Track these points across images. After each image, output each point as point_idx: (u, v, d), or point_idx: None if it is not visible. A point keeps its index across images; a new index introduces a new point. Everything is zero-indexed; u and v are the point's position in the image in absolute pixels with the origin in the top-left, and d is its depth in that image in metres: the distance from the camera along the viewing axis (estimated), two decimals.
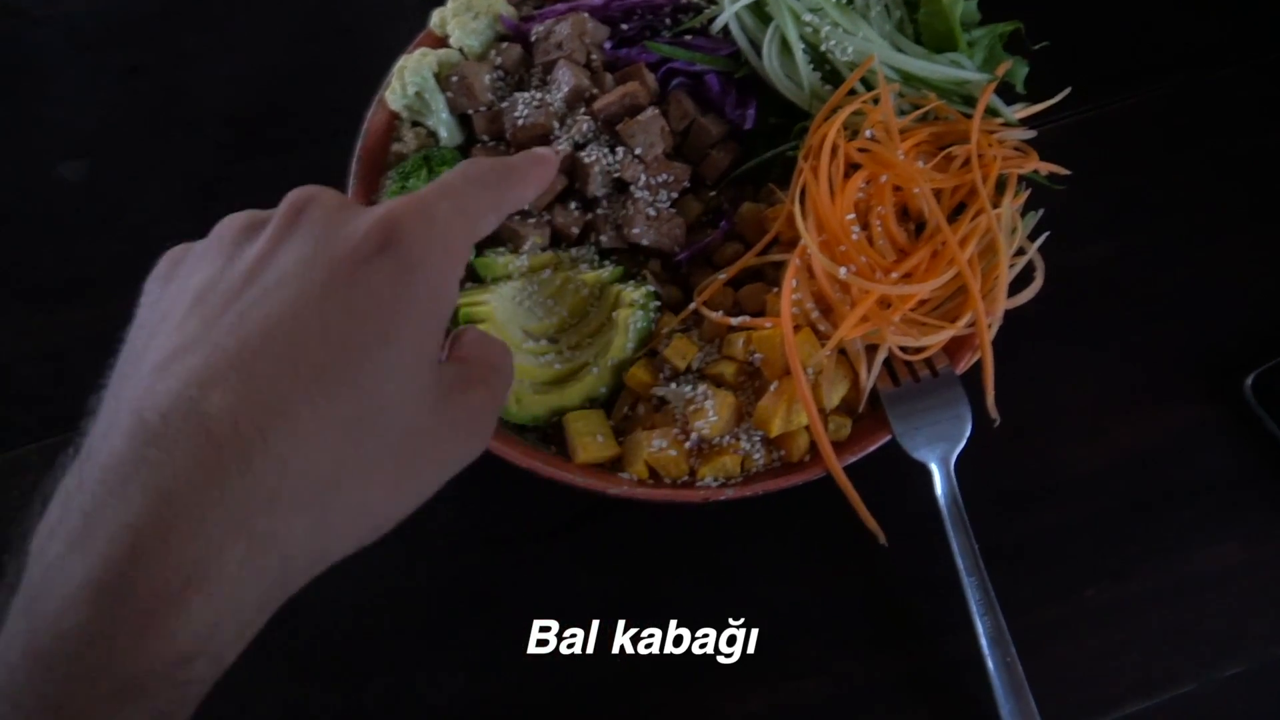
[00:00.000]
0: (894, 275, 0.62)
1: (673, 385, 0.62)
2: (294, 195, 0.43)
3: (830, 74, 0.69)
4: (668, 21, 0.74)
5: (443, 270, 0.43)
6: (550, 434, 0.65)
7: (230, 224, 0.43)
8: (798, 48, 0.68)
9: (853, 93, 0.66)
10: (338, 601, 0.64)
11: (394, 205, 0.42)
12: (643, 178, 0.66)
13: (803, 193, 0.63)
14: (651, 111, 0.66)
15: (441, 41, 0.74)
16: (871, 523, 0.61)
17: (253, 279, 0.40)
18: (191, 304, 0.40)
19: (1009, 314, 0.64)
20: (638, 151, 0.66)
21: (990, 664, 0.58)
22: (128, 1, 0.90)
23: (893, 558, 0.63)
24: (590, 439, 0.62)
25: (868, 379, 0.62)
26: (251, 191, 0.76)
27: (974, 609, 0.59)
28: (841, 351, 0.63)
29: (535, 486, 0.66)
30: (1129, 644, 0.62)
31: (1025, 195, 0.66)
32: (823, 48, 0.68)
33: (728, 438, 0.61)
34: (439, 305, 0.43)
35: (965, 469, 0.61)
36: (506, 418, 0.63)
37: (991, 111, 0.69)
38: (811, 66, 0.68)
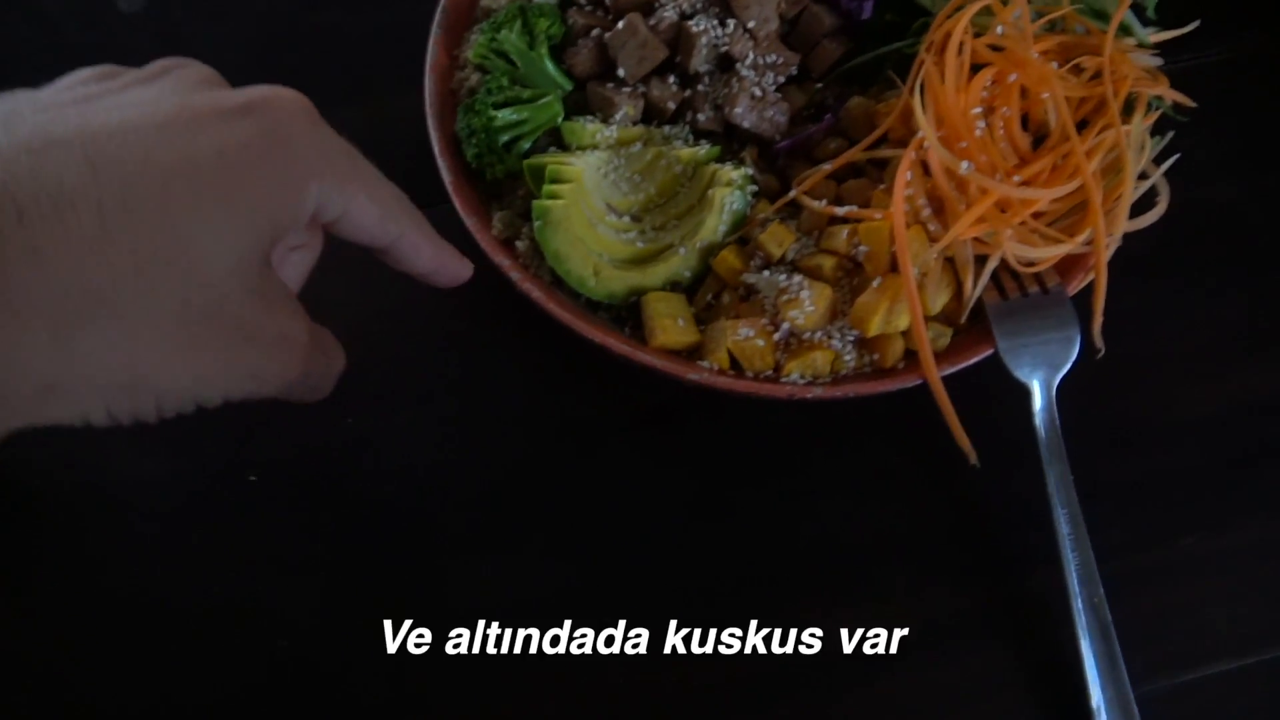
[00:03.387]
0: (1015, 179, 0.57)
1: (765, 273, 0.58)
2: (164, 60, 0.41)
3: None
4: None
5: (304, 168, 0.39)
6: (625, 316, 0.60)
7: (86, 70, 0.40)
8: None
9: None
10: (388, 479, 0.61)
11: (280, 92, 0.40)
12: (751, 55, 0.62)
13: (921, 88, 0.59)
14: None
15: None
16: (964, 440, 0.56)
17: (96, 98, 0.38)
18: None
19: (1123, 249, 0.60)
20: (750, 25, 0.62)
21: (1077, 603, 0.54)
22: None
23: (981, 483, 0.59)
24: (670, 321, 0.58)
25: (974, 288, 0.58)
26: (320, 44, 0.72)
27: (1064, 543, 0.55)
28: (947, 260, 0.59)
29: (602, 376, 0.62)
30: (1223, 599, 0.58)
31: (1155, 115, 0.62)
32: None
33: (820, 333, 0.57)
34: (287, 198, 0.39)
35: (1065, 399, 0.57)
36: (583, 291, 0.59)
37: (1123, 30, 0.65)
38: None
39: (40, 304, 0.32)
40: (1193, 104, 0.65)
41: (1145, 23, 0.67)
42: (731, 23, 0.62)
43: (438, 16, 0.66)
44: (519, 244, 0.60)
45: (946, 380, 0.57)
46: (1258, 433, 0.62)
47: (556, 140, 0.63)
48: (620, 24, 0.62)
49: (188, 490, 0.61)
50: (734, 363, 0.58)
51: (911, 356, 0.58)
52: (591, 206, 0.60)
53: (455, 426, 0.63)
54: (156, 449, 0.61)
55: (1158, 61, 0.65)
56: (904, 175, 0.57)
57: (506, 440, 0.62)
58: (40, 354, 0.33)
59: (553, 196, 0.58)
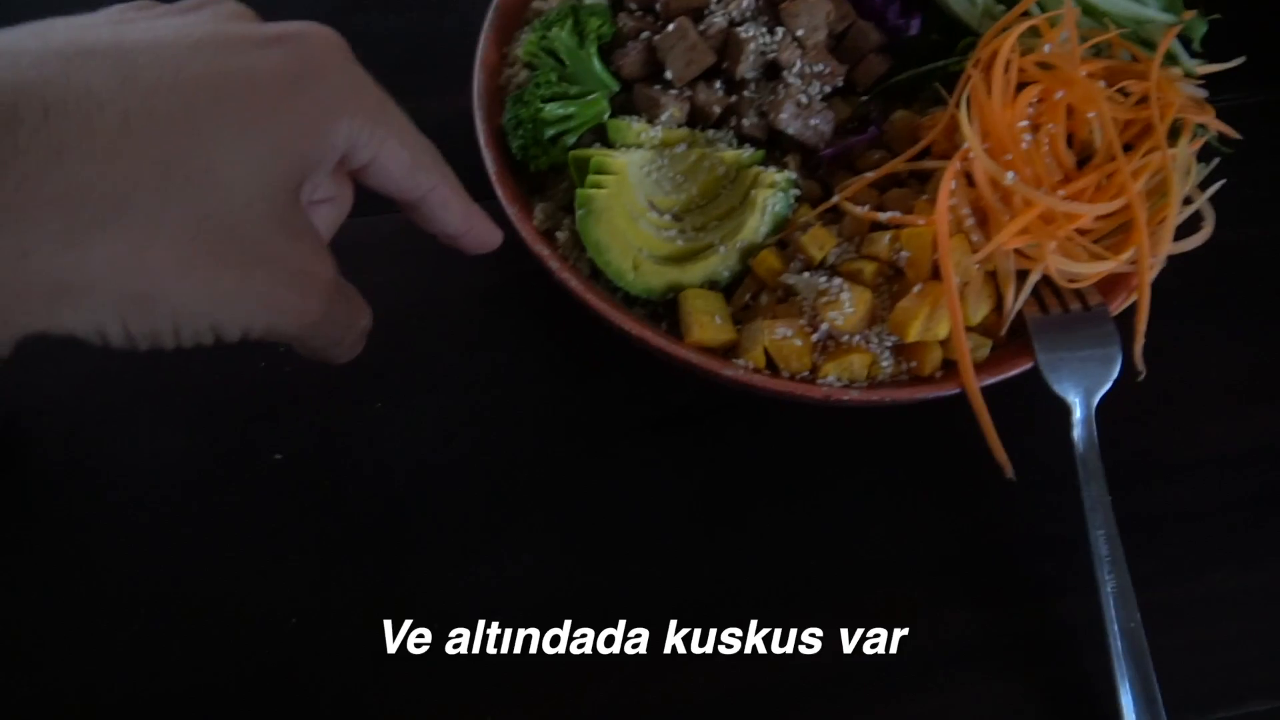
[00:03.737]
0: (1059, 194, 0.57)
1: (805, 275, 0.58)
2: None
3: None
4: None
5: (335, 102, 0.39)
6: (661, 313, 0.60)
7: (123, 3, 0.40)
8: None
9: (1027, 15, 0.62)
10: (396, 467, 0.61)
11: (315, 27, 0.40)
12: (799, 63, 0.63)
13: (967, 103, 0.59)
14: None
15: None
16: (1001, 453, 0.56)
17: (131, 21, 0.38)
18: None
19: (1164, 281, 0.59)
20: (799, 33, 0.62)
21: (1114, 627, 0.52)
22: None
23: (1015, 500, 0.58)
24: (707, 318, 0.57)
25: (1015, 301, 0.58)
26: (369, 42, 0.73)
27: (1100, 565, 0.54)
28: (989, 273, 0.58)
29: (630, 375, 0.62)
30: (1259, 637, 0.57)
31: (1201, 140, 0.62)
32: None
33: (858, 337, 0.57)
34: (317, 130, 0.38)
35: (1103, 421, 0.56)
36: (621, 284, 0.58)
37: (1170, 58, 0.65)
38: None
39: (57, 201, 0.32)
40: (1237, 135, 0.65)
41: (1191, 54, 0.68)
42: (780, 30, 0.63)
43: (490, 15, 0.67)
44: (559, 235, 0.60)
45: (983, 393, 0.56)
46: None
47: (601, 138, 0.63)
48: (670, 27, 0.63)
49: (200, 470, 0.60)
50: (770, 363, 0.57)
51: (949, 366, 0.57)
52: (634, 202, 0.60)
53: (478, 421, 0.62)
54: (178, 420, 0.61)
55: (1203, 93, 0.65)
56: (949, 183, 0.57)
57: (528, 436, 0.61)
58: (53, 253, 0.32)
59: (596, 186, 0.58)
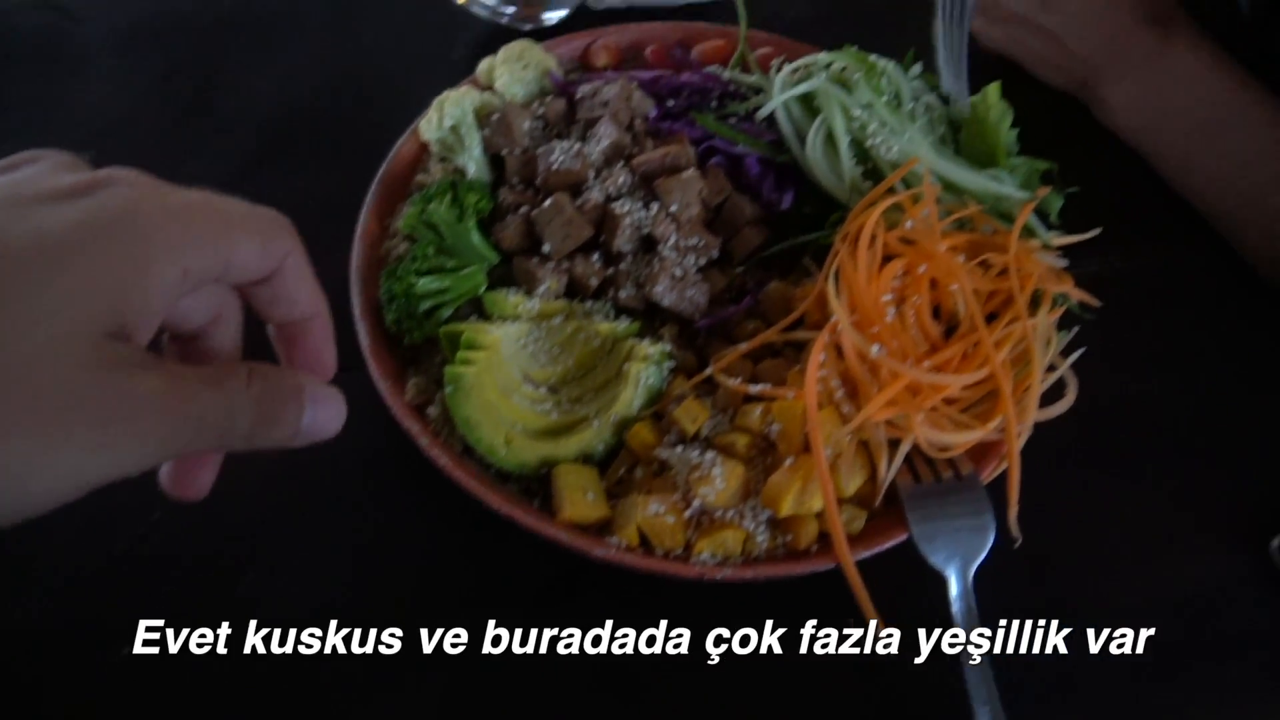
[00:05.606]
0: (925, 365, 0.58)
1: (678, 449, 0.57)
2: (24, 153, 0.39)
3: (871, 170, 0.68)
4: (713, 104, 0.74)
5: (146, 247, 0.37)
6: (535, 488, 0.59)
7: None
8: (843, 141, 0.67)
9: (891, 191, 0.65)
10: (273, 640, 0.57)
11: (119, 173, 0.38)
12: (673, 237, 0.64)
13: (836, 275, 0.61)
14: (692, 172, 0.65)
15: (486, 89, 0.74)
16: (881, 627, 0.55)
17: None
18: None
19: (1037, 438, 0.61)
20: (672, 209, 0.64)
21: None
22: (179, 10, 0.90)
23: (898, 672, 0.57)
24: (579, 494, 0.56)
25: (888, 471, 0.58)
26: (263, 199, 0.73)
27: None
28: (861, 442, 0.59)
29: (509, 547, 0.60)
30: None
31: (1061, 310, 0.64)
32: (868, 144, 0.67)
33: (732, 512, 0.56)
34: (125, 278, 0.36)
35: (983, 587, 0.56)
36: (493, 460, 0.57)
37: (1028, 231, 0.68)
38: (854, 161, 0.68)
39: None
40: (1097, 303, 0.67)
41: (1049, 227, 0.71)
42: (655, 206, 0.64)
43: (373, 187, 0.68)
44: (431, 410, 0.59)
45: (862, 564, 0.55)
46: (1177, 631, 0.60)
47: (479, 310, 0.63)
48: (547, 202, 0.64)
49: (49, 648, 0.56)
50: (644, 539, 0.56)
51: (826, 539, 0.56)
52: (507, 376, 0.60)
53: (352, 591, 0.59)
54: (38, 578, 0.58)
55: (1063, 263, 0.68)
56: (818, 356, 0.57)
57: (403, 611, 0.59)
58: None
59: (466, 363, 0.57)
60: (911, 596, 0.56)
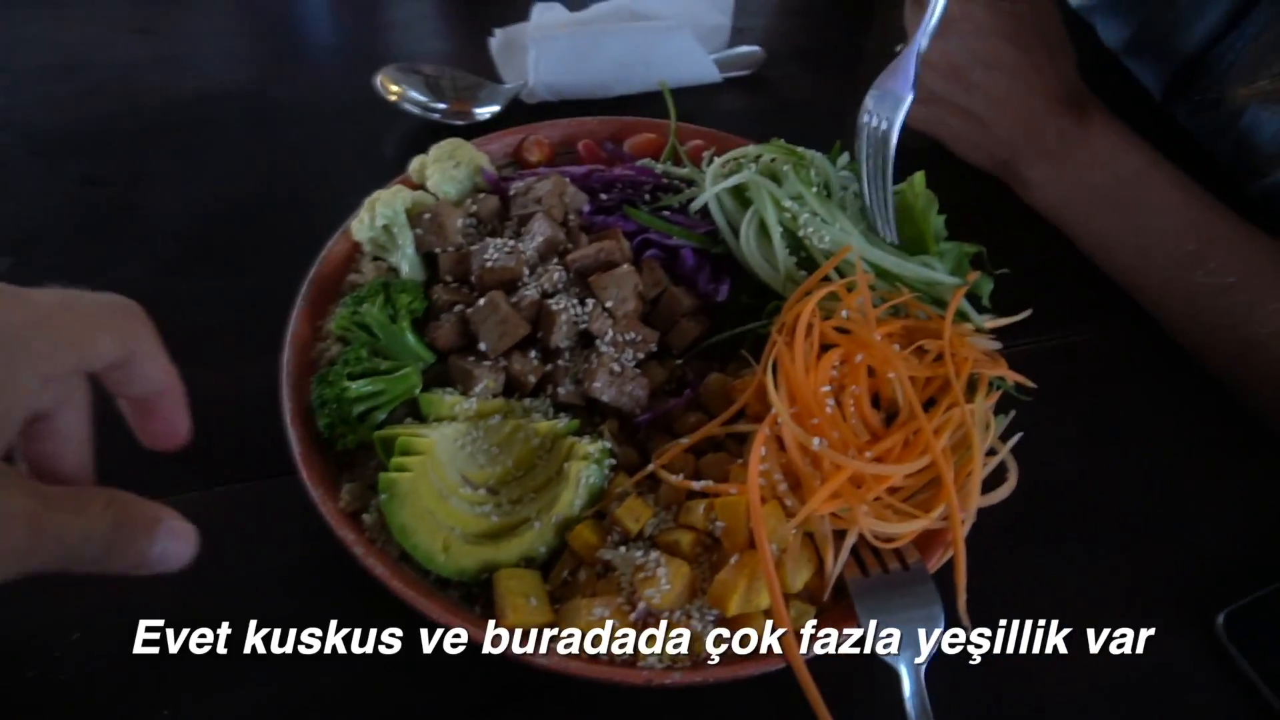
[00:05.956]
0: (867, 455, 0.58)
1: (622, 550, 0.56)
2: None
3: (805, 260, 0.69)
4: (646, 197, 0.74)
5: (17, 356, 0.38)
6: (477, 594, 0.57)
7: None
8: (776, 232, 0.68)
9: (826, 279, 0.66)
10: None
11: None
12: (610, 333, 0.64)
13: (774, 366, 0.61)
14: (627, 267, 0.65)
15: (418, 188, 0.73)
16: None
17: None
18: None
19: (982, 524, 0.60)
20: (608, 305, 0.64)
21: None
22: (101, 116, 0.89)
23: None
24: (522, 600, 0.54)
25: (835, 564, 0.57)
26: (187, 308, 0.72)
27: None
28: (807, 535, 0.58)
29: (448, 655, 0.58)
30: None
31: (997, 395, 0.65)
32: (800, 234, 0.68)
33: (678, 613, 0.55)
34: None
35: (936, 678, 0.55)
36: (431, 567, 0.55)
37: (961, 316, 0.69)
38: (788, 251, 0.68)
39: None
40: (1033, 385, 0.68)
41: (981, 310, 0.72)
42: (591, 302, 0.64)
43: (303, 289, 0.67)
44: (366, 517, 0.57)
45: (813, 662, 0.54)
46: (1127, 711, 0.60)
47: (414, 412, 0.62)
48: (482, 300, 0.63)
49: None
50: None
51: None
52: (444, 479, 0.58)
53: (278, 712, 0.56)
54: None
55: (997, 345, 0.69)
56: (758, 451, 0.57)
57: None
58: None
59: (401, 469, 0.56)
60: (865, 691, 0.55)
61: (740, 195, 0.71)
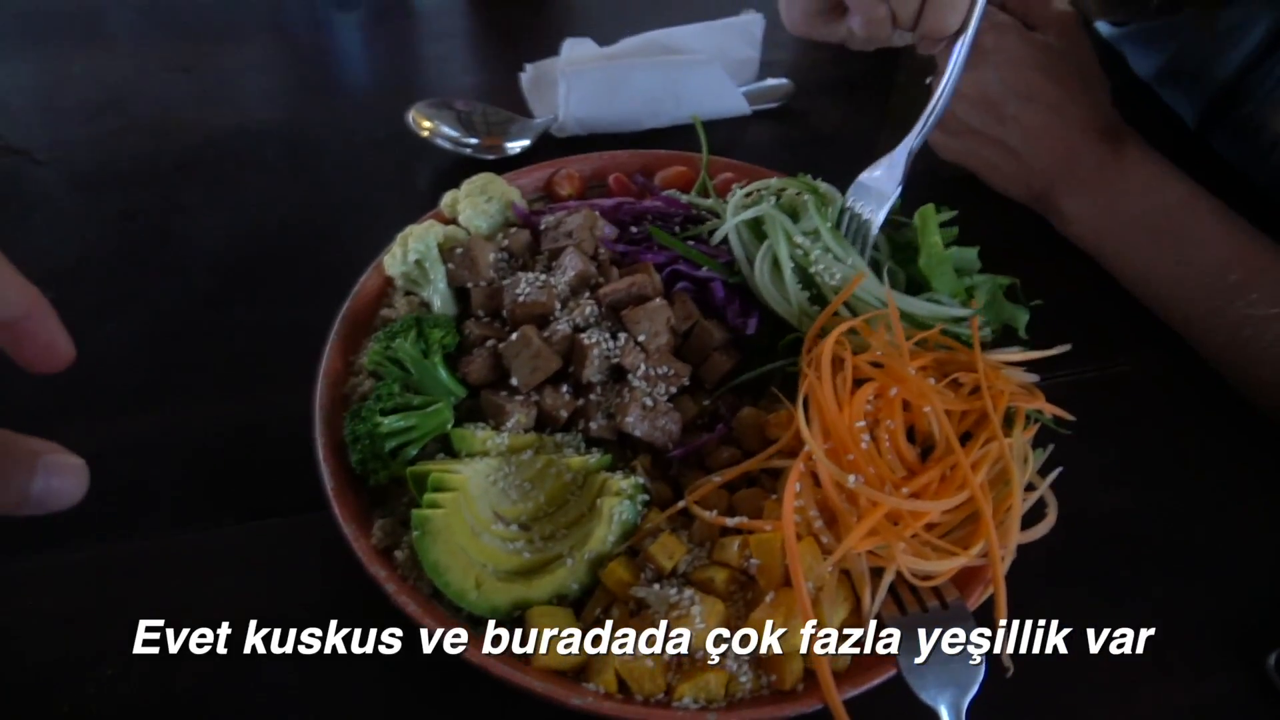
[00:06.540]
0: (904, 491, 0.57)
1: (655, 587, 0.55)
2: None
3: (817, 295, 0.68)
4: (675, 229, 0.74)
5: None
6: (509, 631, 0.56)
7: None
8: (787, 267, 0.68)
9: (841, 316, 0.65)
10: None
11: None
12: (643, 367, 0.63)
13: (806, 401, 0.60)
14: (659, 301, 0.65)
15: (450, 222, 0.74)
16: None
17: None
18: None
19: (1021, 557, 0.59)
20: (640, 339, 0.64)
21: None
22: (138, 153, 0.90)
23: None
24: (555, 641, 0.54)
25: (873, 603, 0.56)
26: (221, 340, 0.72)
27: None
28: (844, 572, 0.57)
29: (484, 692, 0.57)
30: None
31: (1035, 428, 0.64)
32: (811, 270, 0.68)
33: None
34: None
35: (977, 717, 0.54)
36: (462, 605, 0.55)
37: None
38: (800, 286, 0.68)
39: None
40: (1071, 418, 0.67)
41: (1017, 341, 0.71)
42: (623, 336, 0.64)
43: (336, 324, 0.67)
44: (398, 554, 0.57)
45: (850, 703, 0.53)
46: None
47: (446, 447, 0.62)
48: (514, 335, 0.63)
49: None
50: (623, 685, 0.53)
51: (812, 677, 0.54)
52: (477, 515, 0.58)
53: None
54: None
55: (1034, 378, 0.68)
56: (793, 487, 0.56)
57: None
58: None
59: (433, 505, 0.56)
60: None
61: (757, 228, 0.71)
